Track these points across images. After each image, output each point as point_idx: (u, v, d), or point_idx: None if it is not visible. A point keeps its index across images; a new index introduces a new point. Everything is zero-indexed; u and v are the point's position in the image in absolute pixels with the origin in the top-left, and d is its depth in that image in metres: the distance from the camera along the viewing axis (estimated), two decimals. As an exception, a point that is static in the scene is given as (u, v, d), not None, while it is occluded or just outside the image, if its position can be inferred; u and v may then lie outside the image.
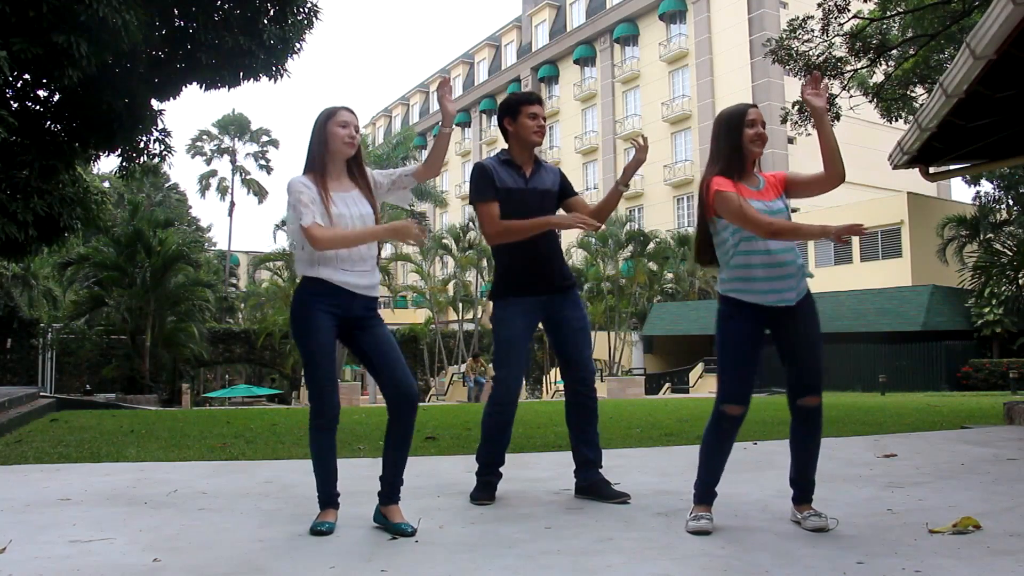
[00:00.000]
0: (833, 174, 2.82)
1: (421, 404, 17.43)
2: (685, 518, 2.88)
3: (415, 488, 2.93)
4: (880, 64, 14.51)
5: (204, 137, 45.43)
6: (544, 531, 2.79)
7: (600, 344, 29.39)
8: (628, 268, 30.31)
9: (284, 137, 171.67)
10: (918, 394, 16.74)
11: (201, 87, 10.26)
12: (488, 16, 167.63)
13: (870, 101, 15.38)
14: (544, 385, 31.73)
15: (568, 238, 29.34)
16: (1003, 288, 19.30)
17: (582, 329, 3.46)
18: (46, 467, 4.51)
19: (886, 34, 14.11)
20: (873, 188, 29.71)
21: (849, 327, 22.58)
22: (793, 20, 14.05)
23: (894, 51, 14.29)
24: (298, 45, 10.19)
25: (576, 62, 42.17)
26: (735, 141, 2.86)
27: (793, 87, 16.51)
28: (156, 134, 10.97)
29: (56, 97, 10.17)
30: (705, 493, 2.88)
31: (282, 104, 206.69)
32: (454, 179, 51.66)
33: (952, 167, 8.01)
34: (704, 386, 24.44)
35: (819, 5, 13.66)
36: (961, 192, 57.36)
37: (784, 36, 14.17)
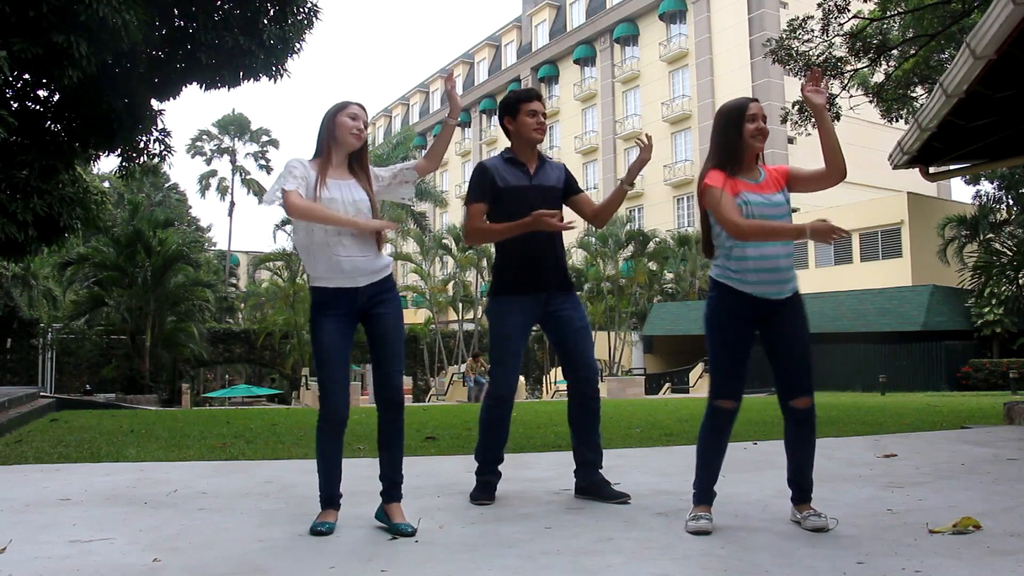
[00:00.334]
0: (834, 171, 2.81)
1: (421, 404, 17.36)
2: (685, 518, 2.88)
3: (415, 488, 2.93)
4: (880, 64, 14.51)
5: (204, 137, 45.44)
6: (544, 531, 2.79)
7: (600, 344, 29.39)
8: (628, 268, 30.32)
9: (284, 137, 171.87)
10: (918, 394, 16.74)
11: (201, 87, 10.26)
12: (488, 16, 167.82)
13: (870, 101, 15.38)
14: (544, 385, 31.73)
15: (568, 238, 29.34)
16: (1003, 288, 19.28)
17: (583, 328, 3.46)
18: (46, 467, 4.51)
19: (886, 34, 14.11)
20: (873, 188, 29.71)
21: (849, 327, 22.58)
22: (793, 20, 14.05)
23: (894, 51, 14.28)
24: (298, 45, 10.19)
25: (576, 62, 42.18)
26: (735, 135, 2.86)
27: (793, 87, 16.50)
28: (156, 134, 10.97)
29: (56, 97, 10.17)
30: (704, 493, 2.87)
31: (282, 104, 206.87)
32: (454, 179, 51.66)
33: (952, 167, 8.01)
34: (704, 386, 24.39)
35: (819, 5, 13.66)
36: (961, 192, 57.42)
37: (784, 36, 14.17)
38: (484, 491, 3.38)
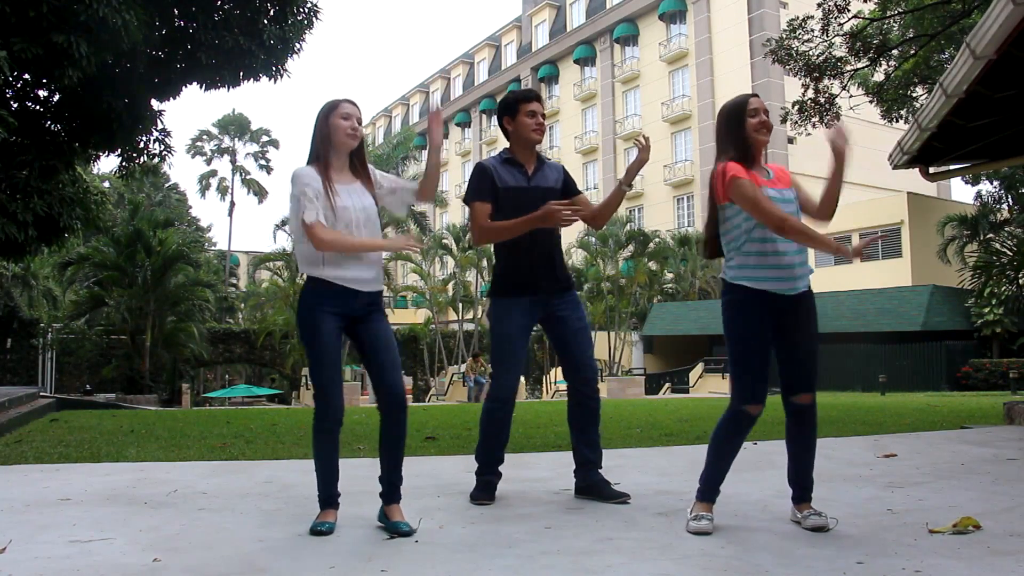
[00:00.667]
0: (824, 214, 2.92)
1: (421, 404, 17.38)
2: (685, 518, 2.88)
3: (415, 488, 2.93)
4: (880, 64, 14.51)
5: (204, 137, 45.44)
6: (544, 531, 2.79)
7: (600, 344, 29.38)
8: (628, 268, 30.31)
9: (284, 137, 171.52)
10: (918, 394, 16.74)
11: (201, 87, 10.26)
12: (488, 16, 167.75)
13: (870, 101, 15.37)
14: (544, 385, 31.73)
15: (568, 238, 29.34)
16: (1003, 288, 19.28)
17: (582, 329, 3.46)
18: (46, 467, 4.51)
19: (886, 34, 14.11)
20: (873, 188, 29.71)
21: (849, 327, 22.58)
22: (793, 20, 14.05)
23: (894, 51, 14.28)
24: (298, 45, 10.19)
25: (576, 62, 42.18)
26: (740, 132, 2.85)
27: (793, 87, 16.49)
28: (156, 134, 10.97)
29: (56, 97, 10.17)
30: (710, 491, 2.86)
31: (282, 104, 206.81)
32: (454, 179, 51.66)
33: (952, 167, 8.01)
34: (704, 386, 24.44)
35: (819, 5, 13.66)
36: (961, 192, 57.42)
37: (784, 36, 14.16)
38: (484, 491, 3.38)
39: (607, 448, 3.52)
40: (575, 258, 30.84)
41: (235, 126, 45.58)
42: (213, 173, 45.99)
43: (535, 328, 3.55)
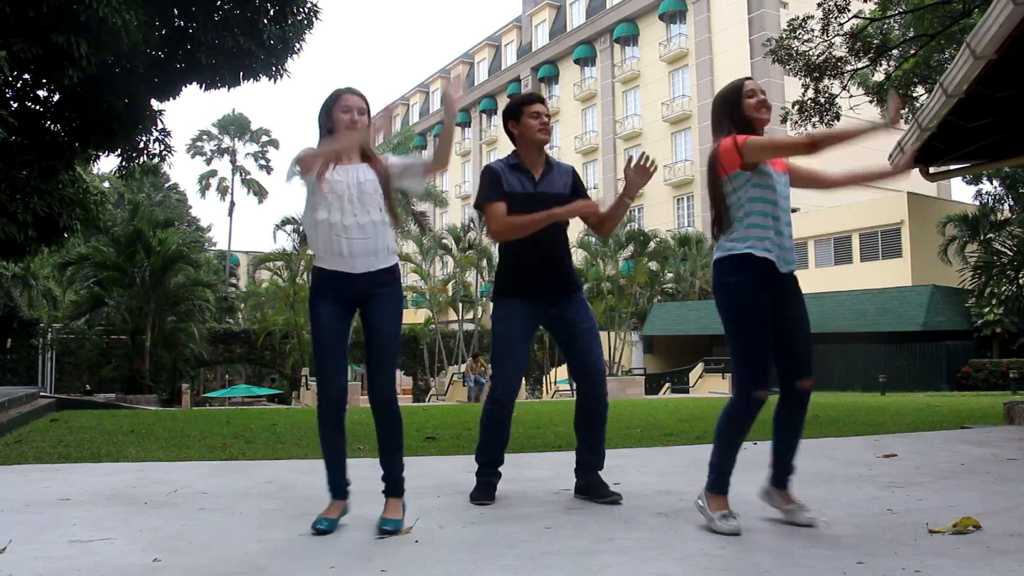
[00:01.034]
0: (835, 184, 2.93)
1: (421, 404, 17.32)
2: (685, 518, 2.87)
3: (415, 488, 2.94)
4: (880, 64, 14.51)
5: (204, 137, 45.46)
6: (544, 531, 2.79)
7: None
8: (628, 268, 30.32)
9: (284, 137, 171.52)
10: (918, 394, 16.73)
11: (201, 87, 10.27)
12: (488, 16, 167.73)
13: (870, 101, 15.38)
14: (544, 385, 31.73)
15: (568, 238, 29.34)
16: (1003, 288, 19.29)
17: (589, 330, 3.43)
18: (46, 467, 4.51)
19: (886, 34, 14.11)
20: (873, 188, 29.67)
21: (849, 327, 22.58)
22: (793, 20, 14.06)
23: (894, 51, 14.29)
24: (298, 45, 10.20)
25: (576, 62, 42.17)
26: (738, 115, 2.83)
27: (793, 87, 16.49)
28: (156, 134, 10.98)
29: (56, 97, 10.18)
30: (723, 482, 2.83)
31: (282, 104, 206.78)
32: (454, 179, 51.66)
33: (952, 167, 8.01)
34: (704, 386, 24.43)
35: (819, 5, 13.66)
36: (961, 192, 57.40)
37: (784, 36, 14.17)
38: (484, 491, 3.38)
39: (608, 448, 3.52)
40: (575, 258, 30.76)
41: (235, 126, 45.61)
42: (213, 173, 46.01)
43: (539, 329, 3.53)
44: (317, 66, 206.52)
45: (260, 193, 46.24)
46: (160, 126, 10.99)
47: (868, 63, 14.28)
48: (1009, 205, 23.90)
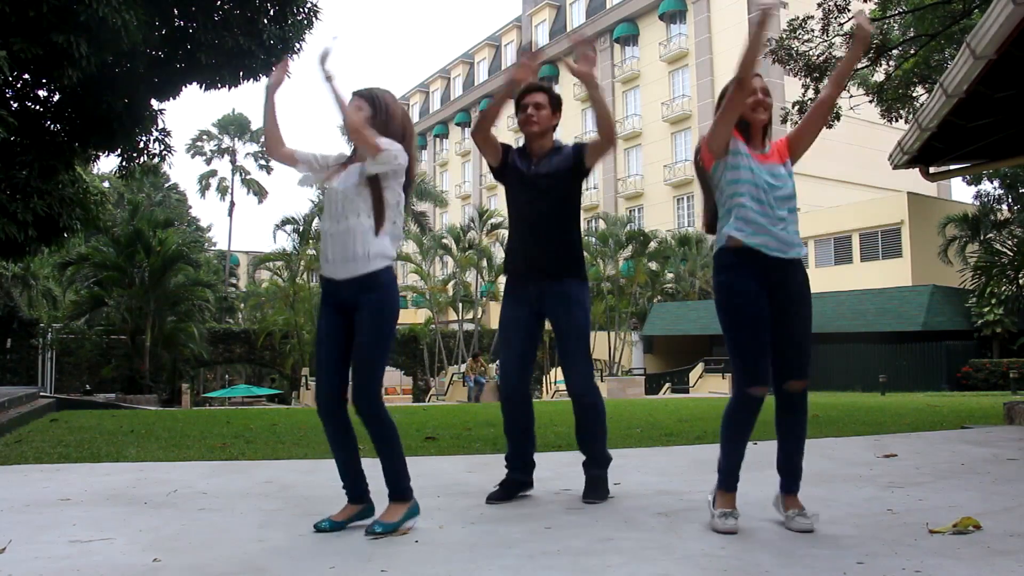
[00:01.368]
0: (826, 108, 2.91)
1: (421, 404, 17.29)
2: (686, 518, 2.87)
3: (415, 488, 2.94)
4: (880, 64, 14.50)
5: (204, 137, 45.49)
6: (544, 531, 2.79)
7: (600, 344, 29.37)
8: (628, 268, 30.32)
9: (284, 137, 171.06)
10: (918, 394, 16.74)
11: (201, 87, 10.27)
12: (488, 16, 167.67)
13: (870, 101, 15.37)
14: (544, 385, 31.74)
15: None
16: (1003, 288, 19.29)
17: (567, 327, 3.34)
18: (46, 467, 4.51)
19: (886, 34, 14.10)
20: (873, 188, 29.71)
21: (849, 327, 22.58)
22: (793, 20, 14.04)
23: (894, 51, 14.28)
24: (298, 45, 10.21)
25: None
26: (735, 104, 2.81)
27: (793, 87, 16.50)
28: (156, 134, 10.99)
29: (56, 97, 10.18)
30: (730, 478, 2.81)
31: (282, 104, 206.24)
32: (454, 179, 51.68)
33: (952, 167, 8.02)
34: (704, 386, 24.44)
35: (819, 5, 13.65)
36: (961, 192, 57.40)
37: (784, 36, 14.16)
38: (500, 490, 3.37)
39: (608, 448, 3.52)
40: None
41: (235, 126, 45.63)
42: (213, 173, 46.04)
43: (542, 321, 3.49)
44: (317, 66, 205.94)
45: (260, 193, 46.27)
46: (160, 126, 11.00)
47: (868, 63, 14.27)
48: (1009, 205, 23.91)
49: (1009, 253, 16.61)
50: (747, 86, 2.69)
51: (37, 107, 10.31)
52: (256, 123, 45.56)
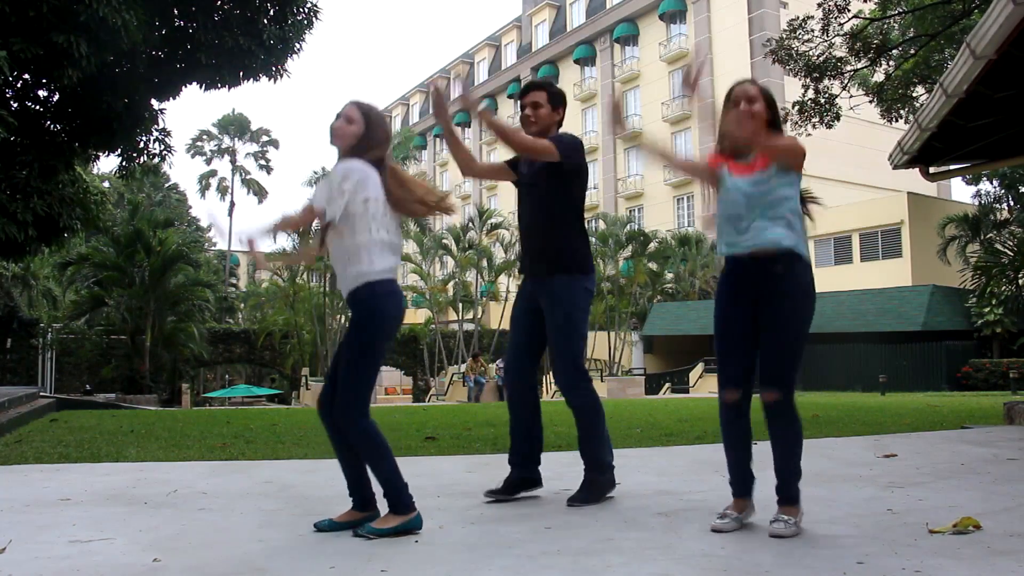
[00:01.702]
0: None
1: (421, 404, 17.36)
2: (686, 518, 2.87)
3: (415, 488, 2.93)
4: (880, 64, 14.51)
5: (204, 137, 45.47)
6: (544, 531, 2.79)
7: (600, 344, 29.38)
8: (628, 268, 30.31)
9: (284, 137, 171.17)
10: (918, 394, 16.74)
11: (201, 87, 10.27)
12: (488, 16, 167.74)
13: (870, 101, 15.38)
14: (544, 385, 31.75)
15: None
16: (1003, 288, 19.30)
17: (550, 326, 3.33)
18: (46, 467, 4.51)
19: (886, 34, 14.11)
20: (873, 188, 29.71)
21: (849, 327, 22.59)
22: (793, 20, 14.05)
23: (894, 51, 14.29)
24: (298, 45, 10.21)
25: (576, 62, 42.17)
26: (722, 121, 2.82)
27: (793, 87, 16.50)
28: (156, 134, 11.00)
29: (56, 97, 10.18)
30: (733, 485, 2.84)
31: (282, 104, 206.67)
32: (454, 179, 51.66)
33: (952, 167, 8.01)
34: (704, 386, 24.44)
35: (819, 5, 13.66)
36: (961, 192, 57.35)
37: (784, 36, 14.17)
38: (501, 486, 3.36)
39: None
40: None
41: (235, 126, 45.61)
42: (213, 173, 46.02)
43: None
44: (317, 66, 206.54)
45: (260, 193, 46.24)
46: (160, 126, 11.01)
47: (868, 63, 14.28)
48: (1008, 205, 23.91)
49: (1009, 253, 16.64)
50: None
51: (37, 107, 10.31)
52: (256, 123, 45.59)
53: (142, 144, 10.93)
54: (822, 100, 14.10)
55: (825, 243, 27.71)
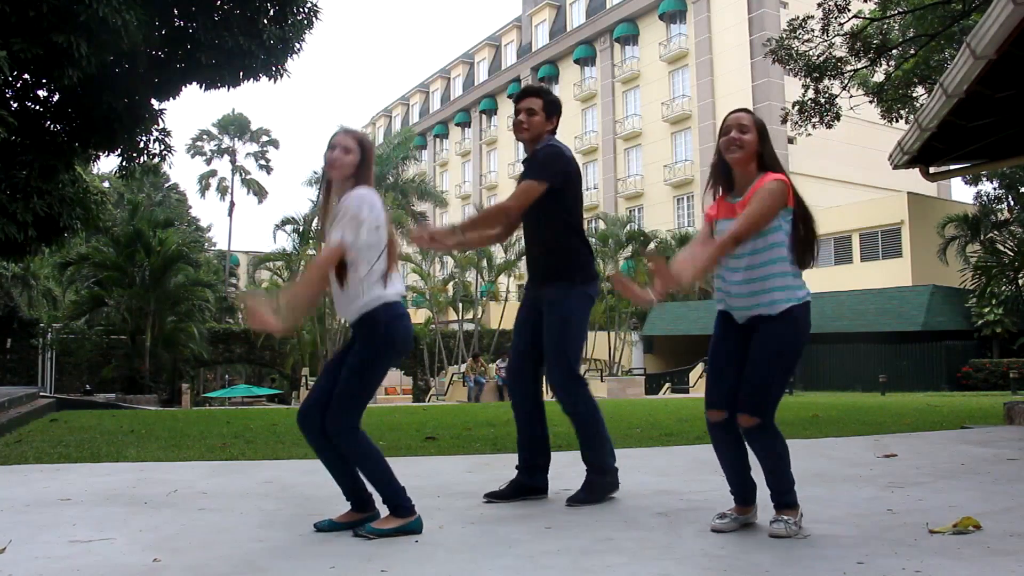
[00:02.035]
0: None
1: (421, 404, 17.35)
2: (686, 518, 2.87)
3: (415, 488, 2.93)
4: (880, 64, 14.51)
5: (204, 137, 45.44)
6: (544, 531, 2.79)
7: (600, 344, 29.39)
8: (628, 268, 30.32)
9: (284, 137, 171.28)
10: (918, 394, 16.74)
11: (201, 87, 10.27)
12: (488, 16, 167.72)
13: (870, 101, 15.39)
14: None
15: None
16: (1003, 288, 19.31)
17: (548, 331, 3.34)
18: (46, 467, 4.51)
19: (886, 34, 14.11)
20: (873, 188, 29.71)
21: (849, 327, 22.59)
22: (793, 20, 14.05)
23: (894, 51, 14.28)
24: (298, 45, 10.21)
25: (576, 62, 42.16)
26: (717, 151, 2.82)
27: (793, 87, 16.50)
28: (156, 134, 10.99)
29: (56, 97, 10.18)
30: (733, 495, 2.85)
31: (282, 104, 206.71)
32: (454, 179, 51.67)
33: (952, 167, 8.01)
34: (704, 386, 24.45)
35: (819, 5, 13.66)
36: (961, 192, 57.33)
37: (784, 36, 14.17)
38: (503, 488, 3.37)
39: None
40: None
41: (235, 126, 45.58)
42: (213, 173, 45.99)
43: None
44: (317, 66, 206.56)
45: (260, 193, 46.21)
46: (160, 126, 11.00)
47: (868, 63, 14.28)
48: (1009, 205, 23.91)
49: (1009, 253, 16.64)
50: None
51: (37, 107, 10.31)
52: (256, 123, 45.60)
53: (142, 144, 10.93)
54: (822, 100, 14.10)
55: (825, 243, 27.70)
